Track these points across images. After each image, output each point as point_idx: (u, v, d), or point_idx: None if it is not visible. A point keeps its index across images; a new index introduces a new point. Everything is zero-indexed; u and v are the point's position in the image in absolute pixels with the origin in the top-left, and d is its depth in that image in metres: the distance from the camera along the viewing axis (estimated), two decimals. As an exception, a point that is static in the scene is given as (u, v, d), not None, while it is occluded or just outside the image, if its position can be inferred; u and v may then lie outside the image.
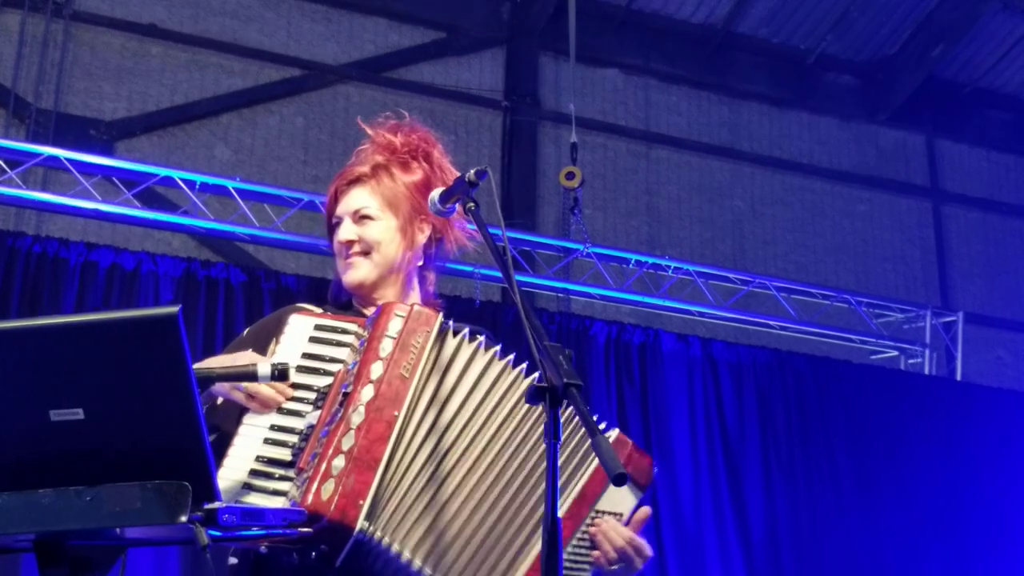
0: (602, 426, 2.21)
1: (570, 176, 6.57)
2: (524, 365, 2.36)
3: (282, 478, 2.21)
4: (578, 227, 6.94)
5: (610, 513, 2.35)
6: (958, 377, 7.66)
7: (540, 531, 2.10)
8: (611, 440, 2.33)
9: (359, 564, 2.18)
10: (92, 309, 5.46)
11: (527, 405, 2.29)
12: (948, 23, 8.07)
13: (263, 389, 2.27)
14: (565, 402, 1.95)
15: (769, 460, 6.80)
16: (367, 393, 2.21)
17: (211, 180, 6.28)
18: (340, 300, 2.61)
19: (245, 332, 2.58)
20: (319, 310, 2.50)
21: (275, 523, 2.04)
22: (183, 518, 1.73)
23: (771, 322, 7.35)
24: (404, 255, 2.54)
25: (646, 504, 2.41)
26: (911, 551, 6.87)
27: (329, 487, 2.11)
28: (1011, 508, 7.19)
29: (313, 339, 2.37)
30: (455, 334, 2.33)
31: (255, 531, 2.00)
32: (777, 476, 6.78)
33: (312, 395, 2.29)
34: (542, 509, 2.08)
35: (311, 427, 2.25)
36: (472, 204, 2.33)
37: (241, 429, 2.28)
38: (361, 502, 2.12)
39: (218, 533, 1.82)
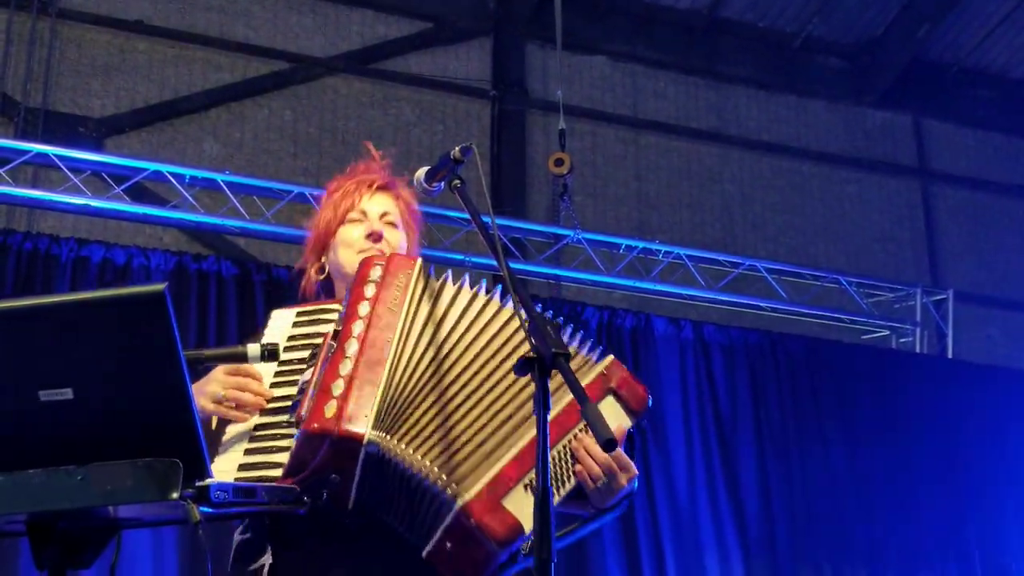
0: (597, 352, 2.33)
1: (559, 162, 6.59)
2: (499, 290, 2.40)
3: (280, 436, 2.23)
4: (568, 213, 6.96)
5: None
6: (949, 355, 7.69)
7: (526, 424, 2.18)
8: (607, 364, 2.33)
9: (371, 499, 2.16)
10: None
11: (510, 324, 2.33)
12: (933, 3, 8.08)
13: (244, 396, 2.29)
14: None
15: (763, 441, 6.83)
16: (358, 327, 2.23)
17: (201, 174, 6.30)
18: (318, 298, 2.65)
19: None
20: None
21: (267, 500, 2.05)
22: (174, 495, 1.73)
23: (762, 304, 7.37)
24: None
25: (636, 435, 2.40)
26: (904, 527, 6.92)
27: (332, 405, 2.11)
28: (1002, 484, 7.23)
29: (296, 323, 2.43)
30: (437, 277, 2.39)
31: (247, 508, 2.02)
32: (771, 457, 6.81)
33: (303, 367, 2.32)
34: (528, 405, 2.16)
35: (302, 385, 2.27)
36: (458, 181, 2.34)
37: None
38: (366, 414, 2.12)
39: (210, 510, 1.83)
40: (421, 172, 2.46)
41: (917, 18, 8.15)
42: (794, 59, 8.54)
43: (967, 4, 8.22)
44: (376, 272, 2.33)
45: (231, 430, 2.30)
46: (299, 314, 2.45)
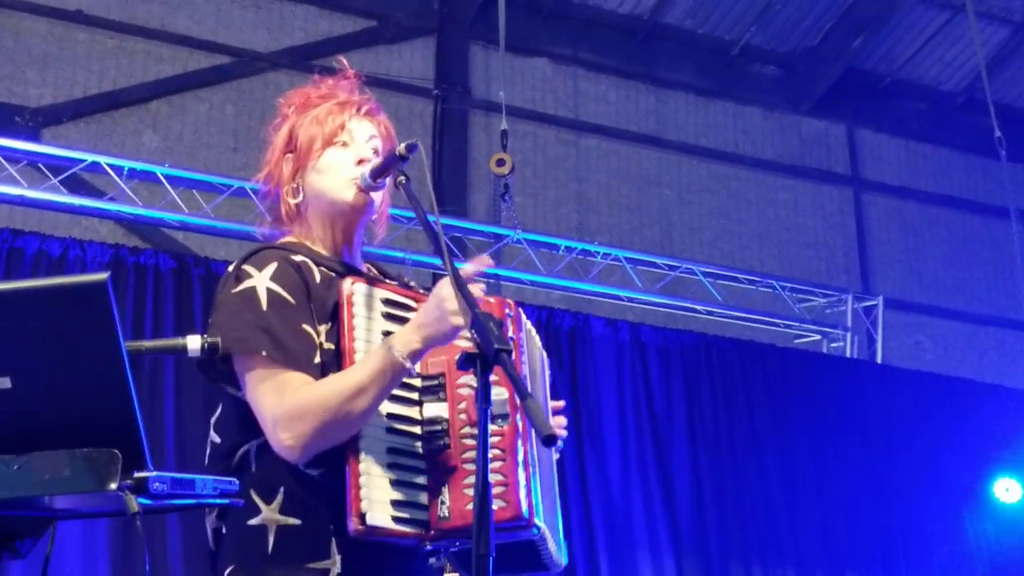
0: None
1: (500, 163, 6.62)
2: None
3: (416, 470, 2.18)
4: (508, 213, 7.01)
5: None
6: (878, 360, 7.85)
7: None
8: None
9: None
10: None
11: None
12: (868, 15, 8.27)
13: None
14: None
15: (696, 441, 6.92)
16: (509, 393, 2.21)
17: (139, 166, 6.24)
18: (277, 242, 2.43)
19: (283, 290, 2.24)
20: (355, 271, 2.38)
21: (207, 493, 2.03)
22: (112, 485, 1.72)
23: (698, 307, 7.47)
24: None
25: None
26: (832, 528, 7.04)
27: (523, 495, 2.15)
28: (928, 487, 7.38)
29: (388, 315, 2.26)
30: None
31: (187, 500, 2.01)
32: (704, 457, 6.90)
33: (414, 380, 2.23)
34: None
35: (437, 419, 2.20)
36: (403, 178, 2.28)
37: None
38: (533, 500, 2.17)
39: (148, 501, 1.82)
40: (366, 168, 2.42)
41: (852, 29, 8.34)
42: (732, 66, 8.68)
43: (901, 17, 8.43)
44: (509, 328, 2.26)
45: (367, 435, 2.18)
46: (387, 302, 2.27)
